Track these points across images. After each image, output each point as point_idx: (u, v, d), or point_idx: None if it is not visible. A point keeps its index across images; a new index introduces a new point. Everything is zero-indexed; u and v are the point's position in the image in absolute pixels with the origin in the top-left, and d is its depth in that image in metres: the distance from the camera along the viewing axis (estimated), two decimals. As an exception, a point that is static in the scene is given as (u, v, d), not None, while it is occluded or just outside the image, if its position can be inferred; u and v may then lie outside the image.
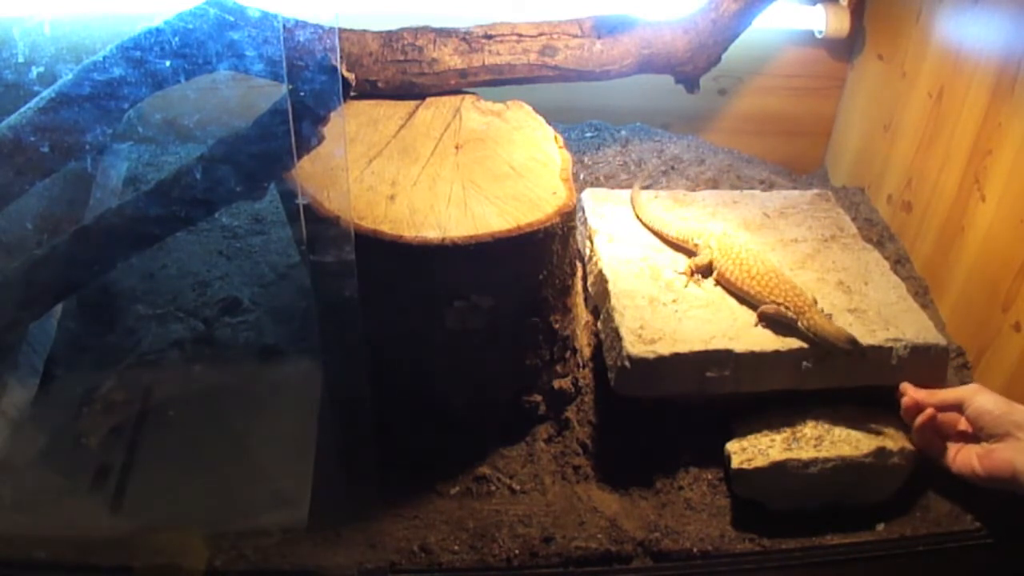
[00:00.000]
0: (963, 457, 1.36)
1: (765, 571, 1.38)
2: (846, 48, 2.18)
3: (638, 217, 1.72)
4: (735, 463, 1.42)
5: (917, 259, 1.90)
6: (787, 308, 1.44)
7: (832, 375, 1.44)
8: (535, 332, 1.46)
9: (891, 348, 1.44)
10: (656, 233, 1.68)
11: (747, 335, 1.44)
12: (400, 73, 1.61)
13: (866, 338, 1.44)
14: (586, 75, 1.70)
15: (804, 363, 1.43)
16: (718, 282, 1.55)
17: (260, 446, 1.46)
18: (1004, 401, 1.35)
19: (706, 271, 1.57)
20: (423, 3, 1.86)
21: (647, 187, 1.84)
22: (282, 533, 1.35)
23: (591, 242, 1.68)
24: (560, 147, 1.55)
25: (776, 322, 1.46)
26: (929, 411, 1.39)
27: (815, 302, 1.47)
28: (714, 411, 1.50)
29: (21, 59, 1.28)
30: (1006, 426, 1.32)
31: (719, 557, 1.37)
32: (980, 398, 1.36)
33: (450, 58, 1.62)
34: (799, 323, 1.43)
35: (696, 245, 1.60)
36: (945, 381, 1.57)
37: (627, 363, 1.40)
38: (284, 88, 1.20)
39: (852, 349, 1.39)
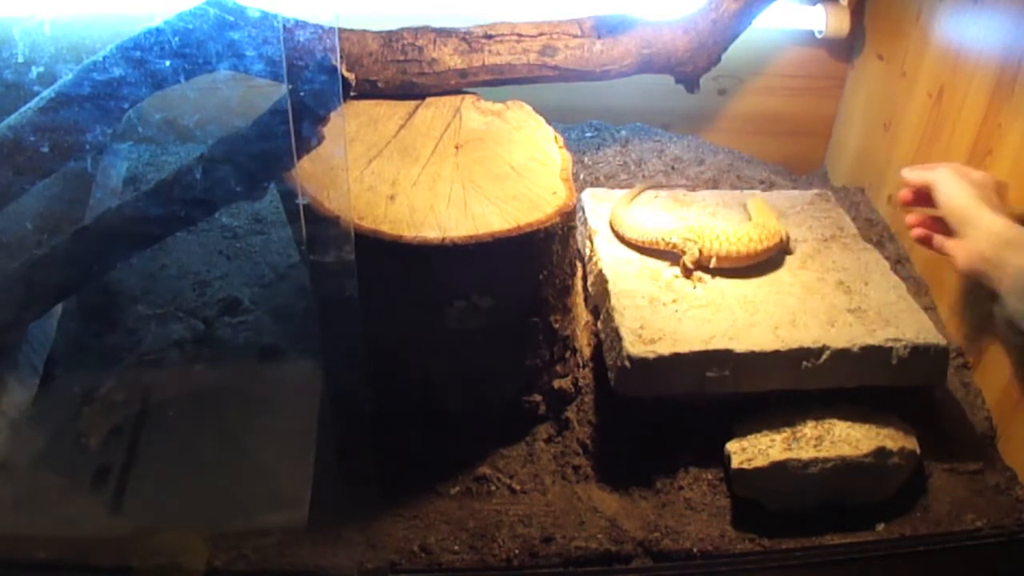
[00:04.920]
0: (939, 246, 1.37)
1: (765, 571, 1.38)
2: (846, 48, 2.18)
3: (610, 225, 1.70)
4: (735, 463, 1.42)
5: (917, 259, 1.90)
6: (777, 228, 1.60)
7: (832, 375, 1.44)
8: (535, 332, 1.46)
9: (891, 348, 1.44)
10: (622, 239, 1.66)
11: (747, 335, 1.44)
12: (400, 73, 1.61)
13: (866, 338, 1.44)
14: (586, 75, 1.70)
15: (804, 363, 1.43)
16: (719, 267, 1.56)
17: (260, 446, 1.46)
18: (961, 193, 1.33)
19: (699, 266, 1.57)
20: (423, 3, 1.86)
21: (651, 188, 1.83)
22: (282, 533, 1.35)
23: (591, 242, 1.68)
24: (560, 147, 1.55)
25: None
26: (916, 216, 1.43)
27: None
28: (714, 411, 1.50)
29: (21, 59, 1.28)
30: (955, 223, 1.32)
31: (719, 557, 1.37)
32: (943, 188, 1.35)
33: (450, 58, 1.62)
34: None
35: (672, 245, 1.59)
36: (945, 381, 1.58)
37: (627, 363, 1.40)
38: (284, 88, 1.20)
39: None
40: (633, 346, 1.41)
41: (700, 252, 1.55)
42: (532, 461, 1.50)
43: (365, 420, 1.34)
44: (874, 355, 1.44)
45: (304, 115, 1.19)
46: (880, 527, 1.42)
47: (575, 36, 1.68)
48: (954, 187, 1.33)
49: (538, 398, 1.53)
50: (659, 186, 1.88)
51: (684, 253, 1.57)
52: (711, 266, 1.56)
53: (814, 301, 1.53)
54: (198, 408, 1.53)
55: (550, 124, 1.62)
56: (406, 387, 1.47)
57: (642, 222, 1.66)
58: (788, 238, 1.65)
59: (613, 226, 1.68)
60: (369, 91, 1.61)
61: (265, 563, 1.31)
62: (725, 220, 1.72)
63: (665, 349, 1.40)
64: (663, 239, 1.60)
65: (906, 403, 1.53)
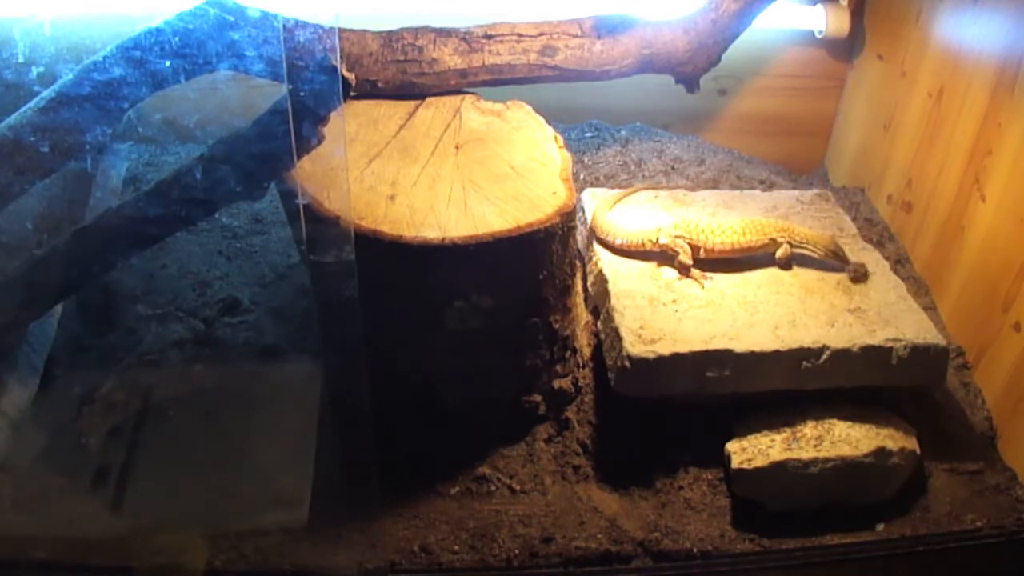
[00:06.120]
0: None
1: (765, 571, 1.38)
2: (846, 48, 2.18)
3: (594, 230, 1.67)
4: (735, 463, 1.42)
5: (917, 259, 1.90)
6: (784, 239, 1.58)
7: (832, 375, 1.44)
8: (535, 332, 1.46)
9: (891, 348, 1.44)
10: (604, 243, 1.64)
11: (747, 335, 1.44)
12: (400, 73, 1.61)
13: (866, 338, 1.44)
14: (586, 75, 1.70)
15: (804, 363, 1.43)
16: (707, 258, 1.56)
17: (260, 446, 1.46)
18: None
19: (694, 262, 1.57)
20: (423, 3, 1.86)
21: (634, 192, 1.82)
22: (282, 533, 1.35)
23: (591, 242, 1.68)
24: (560, 147, 1.55)
25: (789, 260, 1.60)
26: None
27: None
28: (714, 411, 1.50)
29: (21, 59, 1.28)
30: None
31: (719, 557, 1.37)
32: None
33: (450, 58, 1.62)
34: (794, 240, 1.59)
35: (662, 245, 1.58)
36: (945, 381, 1.58)
37: (627, 363, 1.40)
38: (284, 88, 1.20)
39: (837, 253, 1.58)
40: (633, 346, 1.41)
41: (691, 246, 1.55)
42: (532, 461, 1.50)
43: (365, 420, 1.34)
44: (874, 355, 1.44)
45: (304, 115, 1.19)
46: (880, 527, 1.42)
47: (575, 36, 1.68)
48: None
49: (538, 398, 1.53)
50: (642, 189, 1.85)
51: (676, 253, 1.56)
52: (700, 257, 1.57)
53: (814, 301, 1.53)
54: (198, 408, 1.53)
55: (550, 124, 1.62)
56: (406, 387, 1.47)
57: (623, 225, 1.65)
58: (839, 248, 1.60)
59: (595, 231, 1.66)
60: (369, 91, 1.61)
61: (265, 563, 1.31)
62: (724, 220, 1.72)
63: (665, 349, 1.40)
64: (649, 240, 1.59)
65: (906, 403, 1.53)
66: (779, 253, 1.59)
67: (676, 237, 1.56)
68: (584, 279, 1.71)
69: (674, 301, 1.51)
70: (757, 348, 1.42)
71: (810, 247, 1.59)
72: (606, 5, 1.76)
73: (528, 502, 1.44)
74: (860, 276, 1.58)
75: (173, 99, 1.40)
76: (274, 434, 1.48)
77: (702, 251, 1.56)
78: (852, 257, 1.64)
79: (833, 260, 1.59)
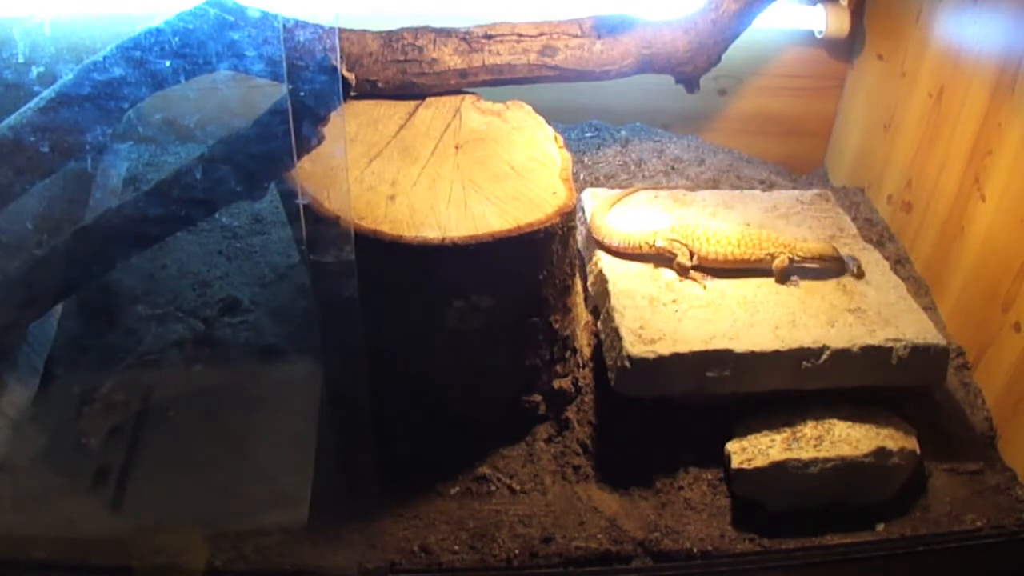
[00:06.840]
0: None
1: (765, 571, 1.38)
2: (846, 48, 2.18)
3: (591, 232, 1.67)
4: (735, 463, 1.42)
5: (917, 259, 1.90)
6: (784, 252, 1.56)
7: (832, 375, 1.44)
8: (535, 332, 1.46)
9: (891, 348, 1.44)
10: (603, 245, 1.64)
11: (747, 335, 1.44)
12: (400, 73, 1.61)
13: (866, 338, 1.44)
14: (586, 75, 1.70)
15: (804, 363, 1.43)
16: (701, 265, 1.56)
17: (260, 446, 1.46)
18: None
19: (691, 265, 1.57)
20: (423, 3, 1.86)
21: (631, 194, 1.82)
22: (282, 533, 1.35)
23: (591, 242, 1.68)
24: (560, 147, 1.55)
25: (789, 272, 1.57)
26: None
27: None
28: (714, 411, 1.50)
29: (21, 59, 1.28)
30: None
31: (719, 557, 1.37)
32: None
33: (450, 58, 1.62)
34: (796, 256, 1.56)
35: (659, 248, 1.57)
36: (945, 381, 1.58)
37: (627, 363, 1.40)
38: (284, 88, 1.20)
39: (839, 257, 1.58)
40: (633, 346, 1.41)
41: (688, 249, 1.55)
42: (532, 461, 1.50)
43: (365, 420, 1.34)
44: (874, 355, 1.44)
45: (304, 115, 1.19)
46: (880, 527, 1.42)
47: (575, 36, 1.68)
48: None
49: (538, 398, 1.53)
50: (642, 189, 1.85)
51: (674, 255, 1.56)
52: (693, 263, 1.56)
53: (814, 301, 1.53)
54: (198, 408, 1.53)
55: (550, 124, 1.62)
56: (406, 387, 1.47)
57: (622, 227, 1.64)
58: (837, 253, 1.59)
59: (593, 233, 1.66)
60: (369, 91, 1.61)
61: (265, 563, 1.31)
62: (724, 221, 1.72)
63: (665, 349, 1.40)
64: (647, 243, 1.59)
65: (906, 403, 1.53)
66: (775, 264, 1.55)
67: (672, 240, 1.56)
68: (584, 279, 1.71)
69: (674, 301, 1.51)
70: (757, 348, 1.42)
71: (812, 262, 1.57)
72: (606, 5, 1.76)
73: (528, 502, 1.44)
74: (861, 271, 1.59)
75: (173, 99, 1.40)
76: (274, 434, 1.48)
77: (695, 258, 1.56)
78: (853, 258, 1.65)
79: (837, 267, 1.58)
